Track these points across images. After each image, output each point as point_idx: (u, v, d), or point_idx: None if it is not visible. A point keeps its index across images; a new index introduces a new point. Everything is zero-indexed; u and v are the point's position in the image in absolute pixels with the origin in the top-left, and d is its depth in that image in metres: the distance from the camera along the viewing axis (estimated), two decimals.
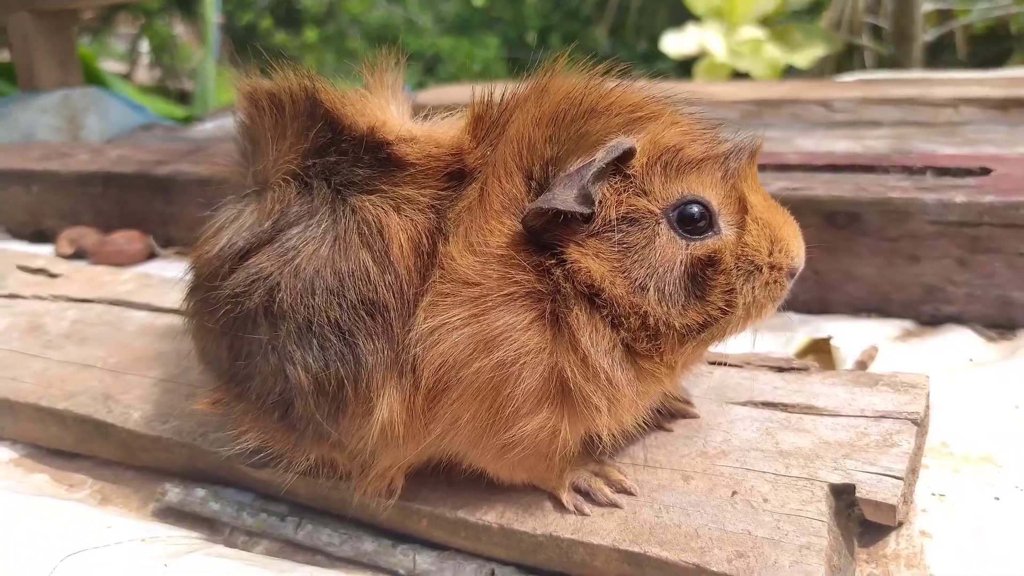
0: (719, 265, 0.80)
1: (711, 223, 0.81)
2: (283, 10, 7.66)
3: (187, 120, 3.53)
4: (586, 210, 0.77)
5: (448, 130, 0.87)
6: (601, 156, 0.77)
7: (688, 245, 0.80)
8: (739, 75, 4.41)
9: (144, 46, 7.63)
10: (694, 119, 0.85)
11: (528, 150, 0.81)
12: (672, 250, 0.80)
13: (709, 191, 0.81)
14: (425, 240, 0.82)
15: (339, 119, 0.86)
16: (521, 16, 7.91)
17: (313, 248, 0.84)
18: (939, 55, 5.15)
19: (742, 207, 0.82)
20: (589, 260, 0.78)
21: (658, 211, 0.80)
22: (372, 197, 0.84)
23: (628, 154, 0.78)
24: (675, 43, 4.49)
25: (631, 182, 0.80)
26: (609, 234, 0.79)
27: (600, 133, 0.80)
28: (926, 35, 4.93)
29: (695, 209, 0.80)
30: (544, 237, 0.79)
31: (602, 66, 0.84)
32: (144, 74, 7.77)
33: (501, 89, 0.87)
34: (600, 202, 0.78)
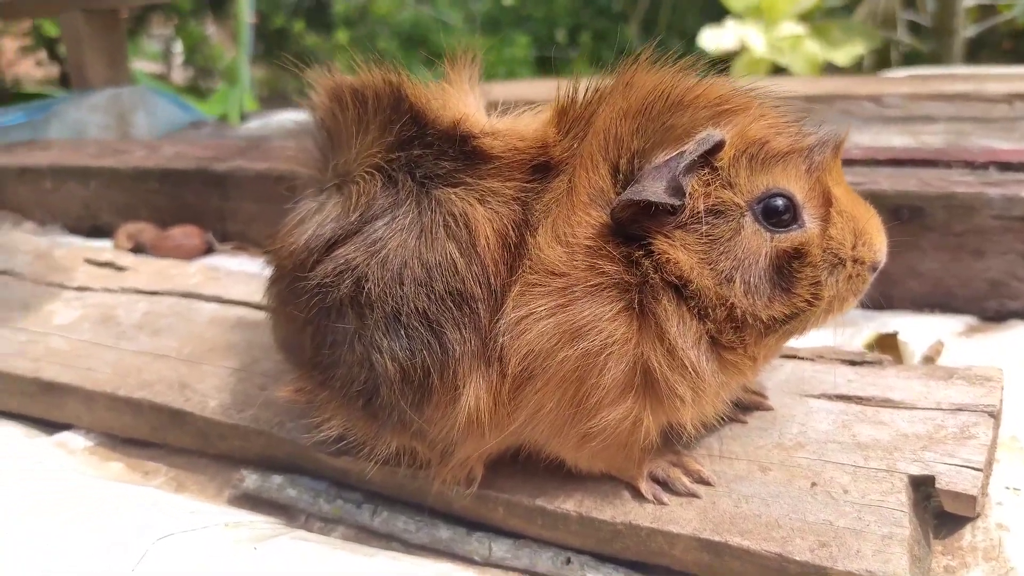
0: (805, 258, 0.81)
1: (795, 216, 0.81)
2: (315, 12, 7.71)
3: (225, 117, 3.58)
4: (677, 202, 0.78)
5: (530, 124, 0.89)
6: (692, 148, 0.78)
7: (772, 238, 0.80)
8: (779, 70, 4.38)
9: (178, 46, 7.72)
10: (779, 112, 0.86)
11: (615, 143, 0.82)
12: (757, 242, 0.80)
13: (794, 184, 0.82)
14: (511, 232, 0.83)
15: (424, 113, 0.88)
16: (552, 14, 7.89)
17: (400, 240, 0.85)
18: (980, 51, 5.08)
19: (826, 200, 0.83)
20: (678, 251, 0.79)
21: (743, 204, 0.80)
22: (457, 190, 0.85)
23: (718, 147, 0.79)
24: (713, 38, 4.47)
25: (718, 174, 0.80)
26: (696, 226, 0.80)
27: (687, 126, 0.81)
28: (967, 31, 4.86)
29: (780, 202, 0.81)
30: (631, 228, 0.80)
31: (686, 60, 0.85)
32: (179, 74, 7.87)
33: (584, 84, 0.88)
34: (688, 194, 0.79)
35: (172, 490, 1.14)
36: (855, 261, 0.84)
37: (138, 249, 1.96)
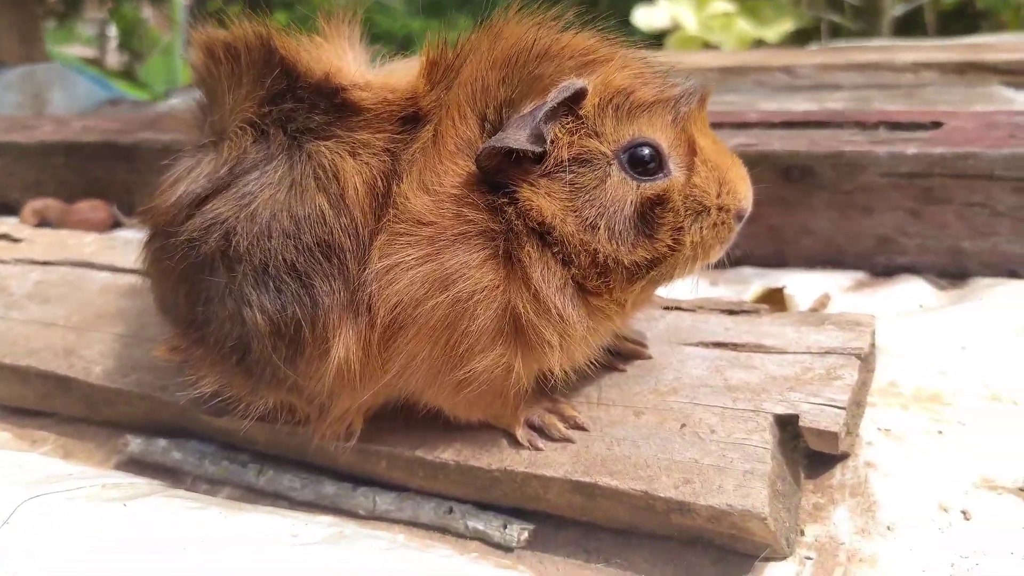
0: (667, 204, 0.82)
1: (661, 165, 0.82)
2: None
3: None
4: (538, 149, 0.78)
5: (404, 75, 0.88)
6: (553, 95, 0.79)
7: (639, 186, 0.82)
8: (710, 48, 4.43)
9: (112, 30, 7.52)
10: (644, 63, 0.87)
11: (482, 93, 0.82)
12: (623, 191, 0.81)
13: (659, 133, 0.83)
14: (380, 183, 0.83)
15: (295, 66, 0.87)
16: None
17: (270, 193, 0.85)
18: (908, 31, 5.19)
19: (691, 150, 0.84)
20: (541, 199, 0.80)
21: (609, 152, 0.81)
22: (328, 143, 0.85)
23: (580, 94, 0.80)
24: (646, 17, 4.50)
25: (583, 123, 0.81)
26: (561, 174, 0.80)
27: (553, 76, 0.81)
28: (895, 10, 4.96)
29: (646, 151, 0.82)
30: (497, 177, 0.80)
31: (554, 11, 0.85)
32: (114, 58, 7.67)
33: (455, 34, 0.88)
34: (552, 142, 0.80)
35: (59, 458, 1.12)
36: (720, 209, 0.85)
37: (44, 225, 1.91)
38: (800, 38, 4.92)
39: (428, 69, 0.87)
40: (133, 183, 1.90)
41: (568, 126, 0.81)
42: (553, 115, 0.80)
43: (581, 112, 0.81)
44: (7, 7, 2.85)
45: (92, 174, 1.97)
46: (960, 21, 5.18)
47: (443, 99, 0.84)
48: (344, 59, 0.91)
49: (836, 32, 5.04)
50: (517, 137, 0.78)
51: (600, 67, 0.83)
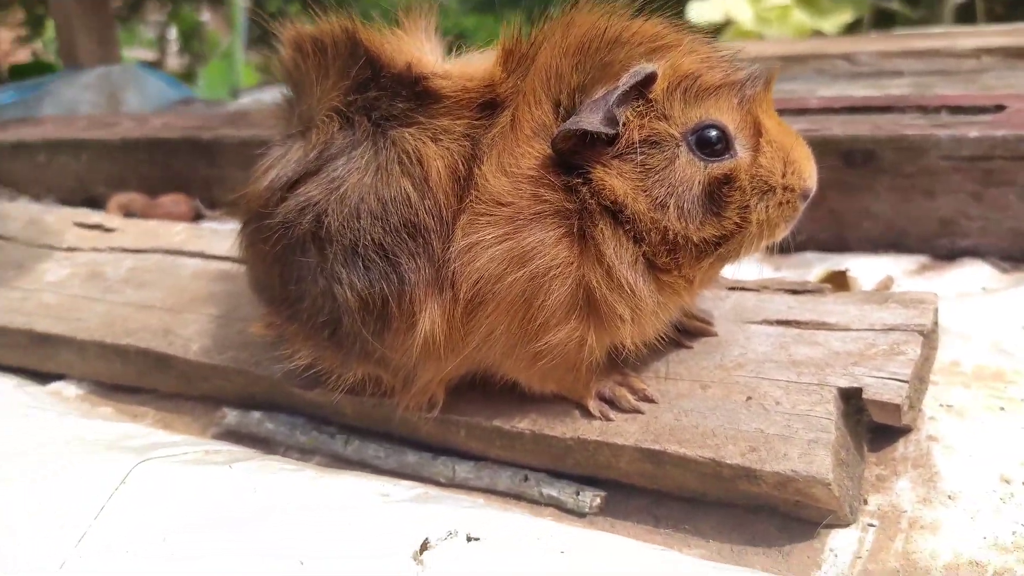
0: (734, 183, 0.86)
1: (728, 146, 0.87)
2: None
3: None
4: (611, 131, 0.83)
5: (480, 65, 0.94)
6: (625, 80, 0.83)
7: (707, 166, 0.86)
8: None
9: (172, 33, 7.72)
10: (711, 47, 0.91)
11: (556, 79, 0.87)
12: (691, 171, 0.86)
13: (726, 115, 0.87)
14: (461, 166, 0.88)
15: (379, 56, 0.93)
16: None
17: (357, 177, 0.91)
18: (969, 19, 5.08)
19: (757, 131, 0.88)
20: (613, 179, 0.85)
21: (678, 135, 0.86)
22: (411, 129, 0.91)
23: (650, 79, 0.84)
24: (700, 11, 4.49)
25: (652, 107, 0.86)
26: (632, 155, 0.85)
27: (624, 61, 0.86)
28: None
29: (713, 133, 0.86)
30: (572, 159, 0.86)
31: (623, 1, 0.90)
32: (174, 61, 7.88)
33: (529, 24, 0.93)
34: (624, 124, 0.84)
35: (160, 429, 1.20)
36: (785, 188, 0.89)
37: (130, 217, 2.02)
38: (858, 29, 4.86)
39: (504, 58, 0.92)
40: (213, 178, 2.00)
41: (639, 109, 0.85)
42: (625, 99, 0.84)
43: (651, 96, 0.86)
44: (87, 11, 2.99)
45: (173, 169, 2.07)
46: (1020, 8, 5.05)
47: (519, 86, 0.90)
48: (423, 50, 0.97)
49: (894, 22, 4.96)
50: (591, 120, 0.83)
51: (668, 52, 0.88)
